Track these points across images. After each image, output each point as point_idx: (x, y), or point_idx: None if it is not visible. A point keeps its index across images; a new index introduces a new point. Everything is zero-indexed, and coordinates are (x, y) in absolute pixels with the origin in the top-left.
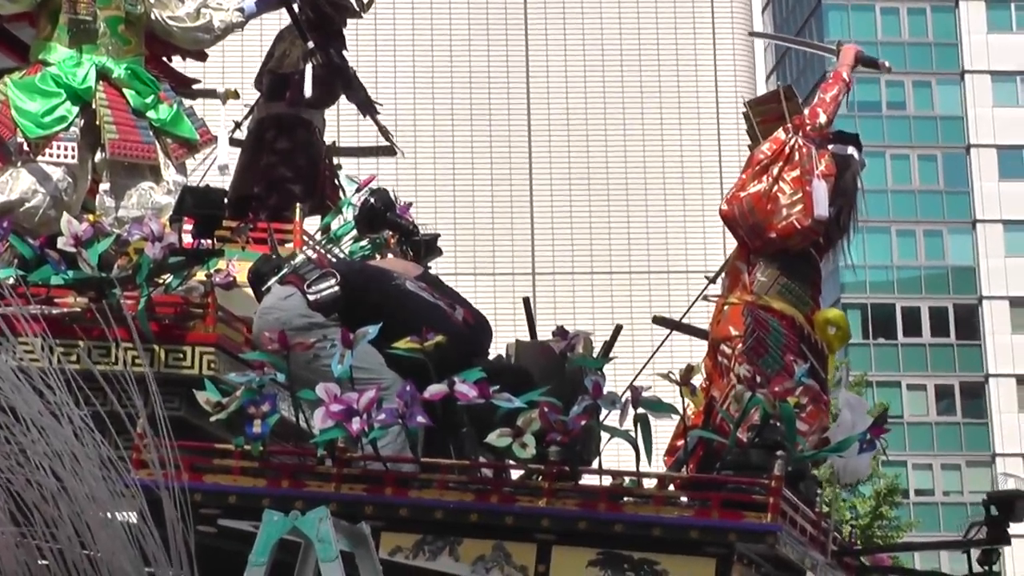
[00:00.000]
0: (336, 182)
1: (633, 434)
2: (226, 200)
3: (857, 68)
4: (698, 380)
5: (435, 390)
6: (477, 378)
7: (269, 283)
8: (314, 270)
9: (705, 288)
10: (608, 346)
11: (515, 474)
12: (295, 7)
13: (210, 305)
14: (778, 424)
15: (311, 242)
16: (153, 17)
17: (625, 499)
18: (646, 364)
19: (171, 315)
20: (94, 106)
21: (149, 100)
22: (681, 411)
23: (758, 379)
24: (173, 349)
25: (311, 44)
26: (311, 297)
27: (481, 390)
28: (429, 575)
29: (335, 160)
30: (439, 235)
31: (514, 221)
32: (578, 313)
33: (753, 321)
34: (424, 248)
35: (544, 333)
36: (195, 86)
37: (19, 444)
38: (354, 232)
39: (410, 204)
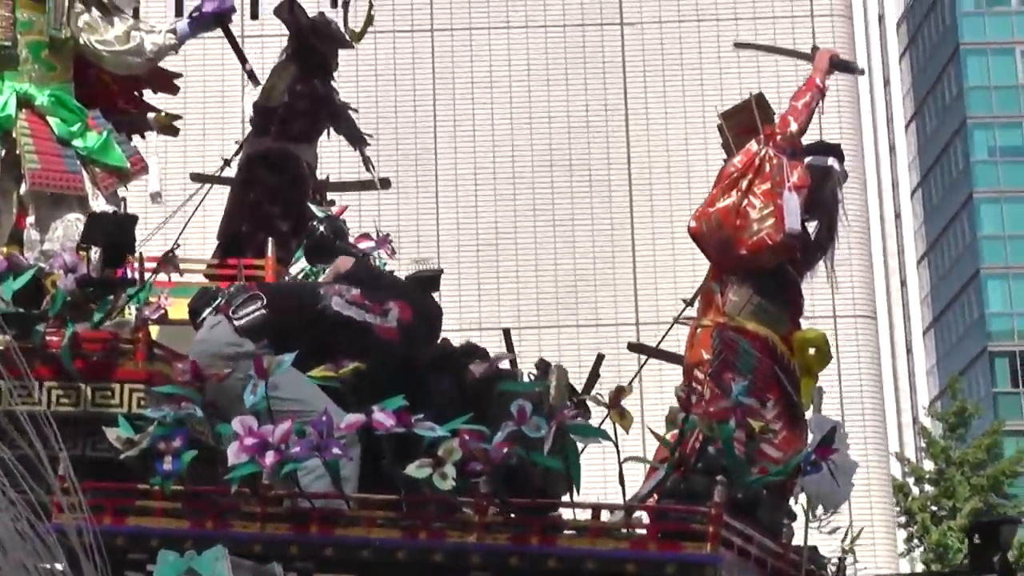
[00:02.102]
0: None
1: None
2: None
3: (832, 73)
4: (628, 402)
5: (351, 420)
6: (398, 407)
7: (204, 315)
8: (241, 295)
9: (682, 312)
10: (591, 376)
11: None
12: (231, 30)
13: (140, 340)
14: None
15: (287, 278)
16: (81, 41)
17: (565, 532)
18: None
19: (98, 351)
20: (15, 135)
21: (75, 128)
22: (613, 437)
23: (693, 399)
24: (100, 387)
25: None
26: (237, 323)
27: (400, 418)
28: None
29: (328, 196)
30: (441, 271)
31: (616, 270)
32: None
33: (721, 343)
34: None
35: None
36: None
37: None
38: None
39: (388, 236)
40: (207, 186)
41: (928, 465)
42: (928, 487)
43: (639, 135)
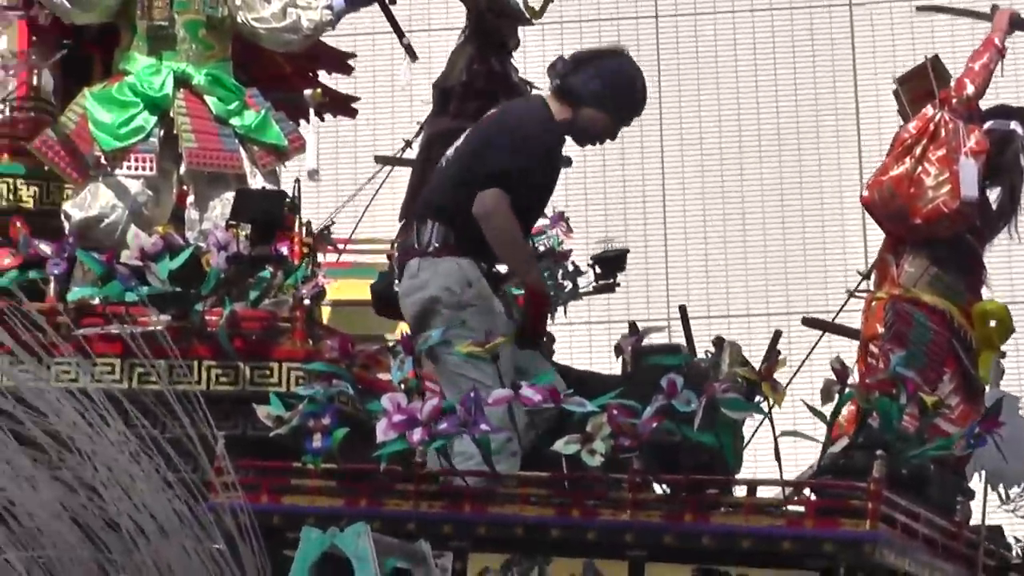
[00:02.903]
0: None
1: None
2: (288, 203)
3: (1013, 33)
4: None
5: (499, 395)
6: (547, 381)
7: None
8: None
9: (858, 285)
10: (768, 352)
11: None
12: (388, 5)
13: (298, 319)
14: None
15: None
16: (239, 20)
17: (719, 509)
18: (798, 369)
19: (257, 330)
20: (172, 115)
21: (233, 107)
22: (766, 411)
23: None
24: (259, 366)
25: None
26: (428, 250)
27: (549, 394)
28: None
29: None
30: (627, 250)
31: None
32: None
33: (894, 315)
34: (603, 265)
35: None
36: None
37: (80, 477)
38: None
39: (563, 213)
40: (389, 168)
41: None
42: None
43: (869, 122)
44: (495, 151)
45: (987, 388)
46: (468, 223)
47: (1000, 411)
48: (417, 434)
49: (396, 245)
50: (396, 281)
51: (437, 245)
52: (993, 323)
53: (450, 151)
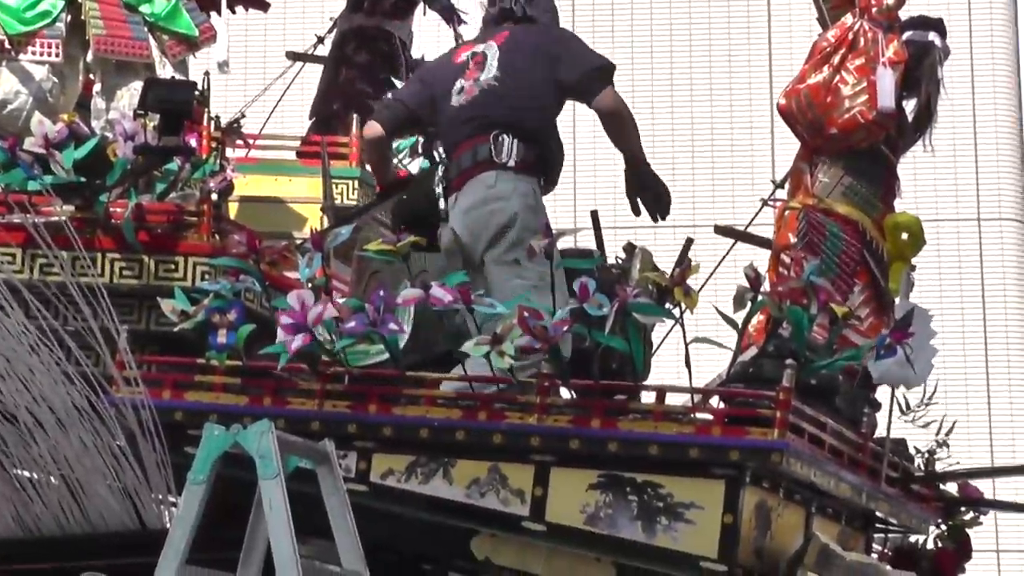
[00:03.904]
0: None
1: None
2: (197, 93)
3: None
4: (694, 281)
5: (409, 295)
6: (459, 282)
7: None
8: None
9: (772, 193)
10: (680, 259)
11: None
12: None
13: (205, 213)
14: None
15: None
16: None
17: (628, 415)
18: (709, 277)
19: (163, 224)
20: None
21: None
22: (677, 316)
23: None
24: (164, 260)
25: None
26: (510, 164)
27: (460, 295)
28: (423, 501)
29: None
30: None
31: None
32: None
33: (807, 225)
34: None
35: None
36: None
37: None
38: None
39: None
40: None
41: None
42: None
43: (781, 30)
44: (579, 56)
45: (896, 301)
46: (545, 143)
47: (911, 322)
48: (298, 340)
49: (453, 161)
50: (438, 196)
51: (517, 160)
52: (905, 236)
53: (491, 72)
